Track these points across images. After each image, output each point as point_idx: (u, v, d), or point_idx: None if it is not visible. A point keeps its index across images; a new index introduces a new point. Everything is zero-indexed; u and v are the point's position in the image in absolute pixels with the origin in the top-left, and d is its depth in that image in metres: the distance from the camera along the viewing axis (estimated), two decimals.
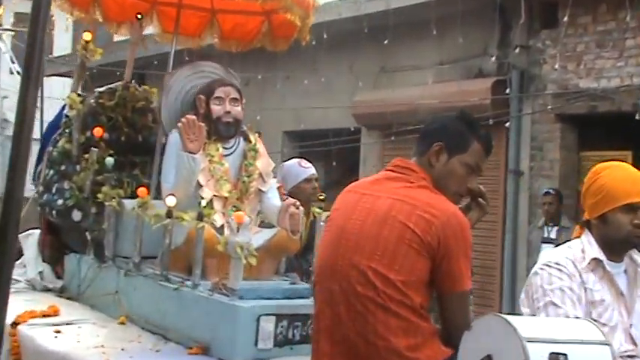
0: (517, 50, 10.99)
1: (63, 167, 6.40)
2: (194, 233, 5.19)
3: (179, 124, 5.51)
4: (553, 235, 9.86)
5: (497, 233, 11.70)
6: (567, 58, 10.52)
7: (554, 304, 3.74)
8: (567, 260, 3.83)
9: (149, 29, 6.89)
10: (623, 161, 9.85)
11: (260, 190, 5.81)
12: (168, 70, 6.41)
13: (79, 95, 6.46)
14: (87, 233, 6.18)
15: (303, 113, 14.47)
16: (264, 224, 5.81)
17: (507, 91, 10.96)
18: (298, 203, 5.60)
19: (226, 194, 5.63)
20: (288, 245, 5.57)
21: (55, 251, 6.59)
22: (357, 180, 4.01)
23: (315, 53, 12.01)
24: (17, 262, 6.74)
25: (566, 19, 9.83)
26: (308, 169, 6.41)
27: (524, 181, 11.08)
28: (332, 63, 13.83)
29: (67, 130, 6.48)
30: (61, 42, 25.17)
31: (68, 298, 6.24)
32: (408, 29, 11.65)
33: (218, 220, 5.47)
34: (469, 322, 3.43)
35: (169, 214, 5.29)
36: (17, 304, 5.93)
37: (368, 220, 3.46)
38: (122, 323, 5.59)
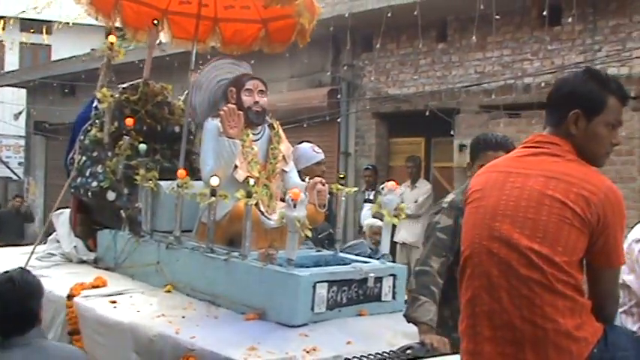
0: (345, 68, 11.40)
1: (95, 154, 5.25)
2: (241, 209, 4.20)
3: (220, 113, 4.52)
4: (371, 197, 9.80)
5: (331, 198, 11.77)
6: (380, 73, 10.96)
7: None
8: None
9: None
10: (417, 145, 10.85)
11: (283, 170, 4.86)
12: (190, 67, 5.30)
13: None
14: (121, 211, 5.04)
15: None
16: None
17: (339, 96, 11.39)
18: (324, 181, 4.67)
19: (257, 174, 4.66)
20: (315, 217, 4.58)
21: (85, 227, 5.35)
22: None
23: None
24: (49, 238, 5.58)
25: (378, 45, 10.20)
26: (320, 154, 5.42)
27: (351, 160, 11.46)
28: None
29: (97, 121, 5.33)
30: (10, 59, 24.46)
31: (106, 269, 5.05)
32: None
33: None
34: (618, 295, 2.63)
35: (213, 193, 4.30)
36: (64, 277, 4.82)
37: (521, 200, 2.47)
38: (169, 291, 4.52)
